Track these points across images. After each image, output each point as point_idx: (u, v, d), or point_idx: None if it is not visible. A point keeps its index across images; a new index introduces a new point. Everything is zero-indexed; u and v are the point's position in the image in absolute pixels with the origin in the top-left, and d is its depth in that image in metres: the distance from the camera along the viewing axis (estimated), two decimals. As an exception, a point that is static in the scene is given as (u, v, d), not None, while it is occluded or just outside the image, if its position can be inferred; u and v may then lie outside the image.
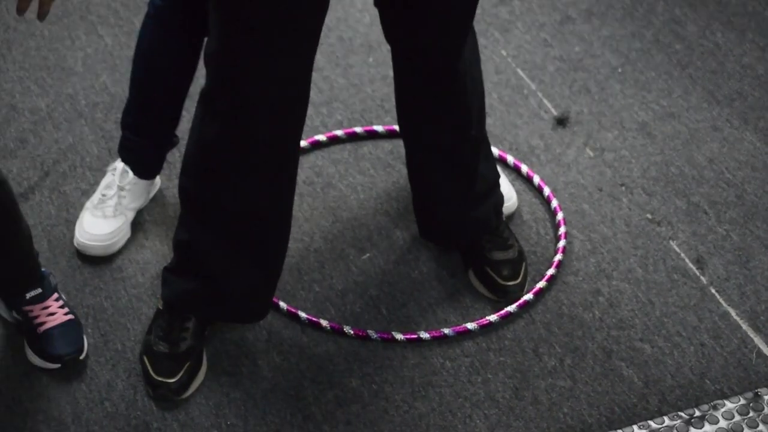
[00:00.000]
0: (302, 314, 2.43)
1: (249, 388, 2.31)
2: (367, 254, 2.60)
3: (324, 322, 2.41)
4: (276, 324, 2.43)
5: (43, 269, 2.35)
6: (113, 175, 2.60)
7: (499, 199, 2.53)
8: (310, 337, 2.40)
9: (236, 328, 2.42)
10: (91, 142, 2.85)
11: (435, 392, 2.32)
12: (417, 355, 2.38)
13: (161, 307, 2.34)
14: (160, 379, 2.27)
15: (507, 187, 2.67)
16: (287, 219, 2.28)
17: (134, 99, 2.54)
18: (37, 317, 2.31)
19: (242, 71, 2.05)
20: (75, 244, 2.55)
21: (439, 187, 2.44)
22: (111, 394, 2.29)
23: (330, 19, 3.25)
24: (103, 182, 2.62)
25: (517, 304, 2.46)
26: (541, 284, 2.50)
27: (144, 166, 2.59)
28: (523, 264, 2.51)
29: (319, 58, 3.11)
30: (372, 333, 2.39)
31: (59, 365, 2.30)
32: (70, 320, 2.33)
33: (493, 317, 2.43)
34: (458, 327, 2.41)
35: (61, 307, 2.34)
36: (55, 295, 2.35)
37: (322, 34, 3.18)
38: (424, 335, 2.40)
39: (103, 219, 2.55)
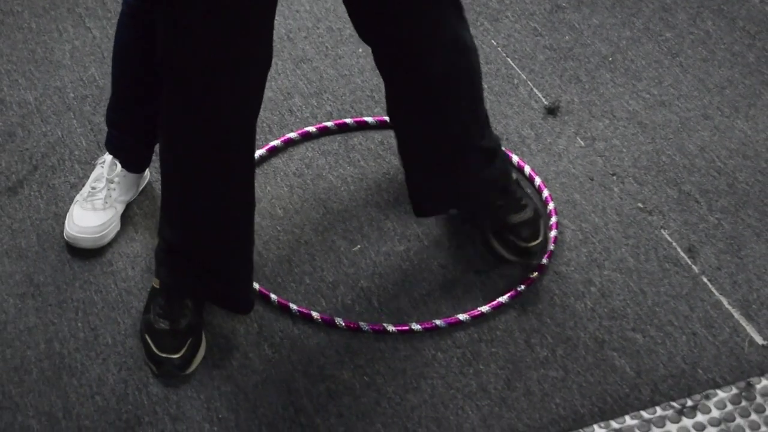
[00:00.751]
0: (293, 306, 2.42)
1: (240, 382, 2.30)
2: (358, 246, 2.59)
3: (315, 314, 2.40)
4: (267, 317, 2.42)
5: None
6: (102, 167, 2.59)
7: (505, 158, 2.50)
8: (302, 330, 2.40)
9: (226, 321, 2.41)
10: (80, 135, 2.84)
11: (427, 384, 2.31)
12: (408, 347, 2.37)
13: (156, 286, 2.34)
14: (164, 355, 2.28)
15: None
16: (252, 196, 2.31)
17: (116, 97, 2.54)
18: None
19: (203, 67, 2.07)
20: (65, 237, 2.54)
21: (438, 151, 2.41)
22: (102, 388, 2.29)
23: (319, 9, 3.25)
24: (93, 175, 2.61)
25: (508, 294, 2.45)
26: (533, 275, 2.50)
27: (132, 161, 2.58)
28: (541, 222, 2.50)
29: (308, 49, 3.10)
30: (363, 325, 2.38)
31: None
32: None
33: (485, 308, 2.42)
34: (450, 318, 2.40)
35: None
36: None
37: (311, 25, 3.19)
38: (416, 327, 2.39)
39: (92, 212, 2.54)
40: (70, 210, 2.57)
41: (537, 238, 2.48)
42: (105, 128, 2.80)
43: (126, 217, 2.62)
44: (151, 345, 2.30)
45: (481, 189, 2.49)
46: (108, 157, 2.59)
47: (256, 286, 2.45)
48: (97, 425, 2.22)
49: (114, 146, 2.58)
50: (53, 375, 2.31)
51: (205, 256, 2.31)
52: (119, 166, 2.57)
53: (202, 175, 2.22)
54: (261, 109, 2.92)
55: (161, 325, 2.31)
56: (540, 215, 2.52)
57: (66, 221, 2.56)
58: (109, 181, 2.57)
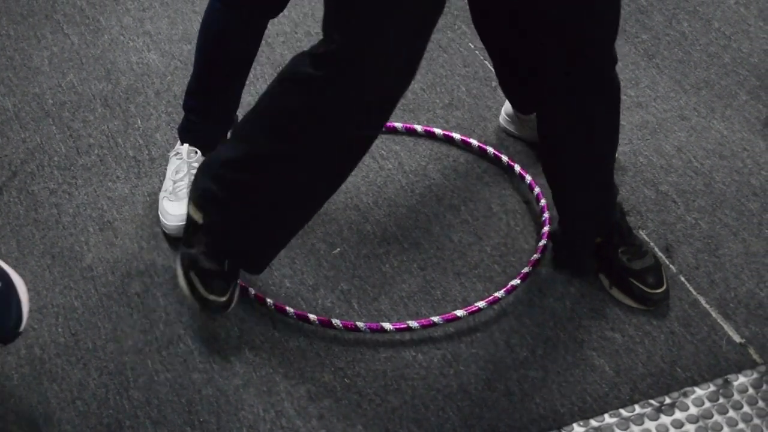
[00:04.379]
0: (269, 300, 2.42)
1: (221, 385, 2.31)
2: (338, 249, 2.60)
3: (290, 310, 2.40)
4: (248, 320, 2.43)
5: None
6: (179, 159, 2.63)
7: (621, 206, 2.52)
8: (282, 333, 2.40)
9: (207, 325, 2.41)
10: (59, 141, 2.84)
11: (407, 385, 2.32)
12: (389, 349, 2.38)
13: (199, 221, 2.27)
14: (212, 297, 2.27)
15: None
16: (326, 198, 2.27)
17: (200, 84, 2.59)
18: None
19: (368, 39, 2.01)
20: (167, 232, 2.58)
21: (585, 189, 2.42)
22: (83, 393, 2.29)
23: (297, 14, 3.26)
24: (171, 168, 2.64)
25: (486, 300, 2.43)
26: (526, 269, 2.51)
27: (212, 146, 2.58)
28: (662, 268, 2.49)
29: (287, 54, 3.11)
30: (336, 321, 2.38)
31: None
32: None
33: (460, 312, 2.41)
34: (424, 320, 2.40)
35: None
36: None
37: (290, 30, 3.20)
38: (388, 326, 2.38)
39: (184, 200, 2.55)
40: (161, 207, 2.60)
41: (662, 286, 2.46)
42: (84, 134, 2.81)
43: (105, 223, 2.63)
44: (197, 284, 2.27)
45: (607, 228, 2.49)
46: (183, 148, 2.63)
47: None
48: (78, 430, 2.22)
49: (193, 132, 2.63)
50: (34, 380, 2.31)
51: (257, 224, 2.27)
52: (199, 152, 2.61)
53: (309, 152, 2.15)
54: (240, 114, 2.93)
55: (206, 264, 2.26)
56: (661, 263, 2.51)
57: (163, 218, 2.59)
58: (191, 168, 2.60)
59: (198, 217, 2.28)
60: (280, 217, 2.26)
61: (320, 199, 2.26)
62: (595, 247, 2.49)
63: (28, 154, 2.80)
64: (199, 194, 2.28)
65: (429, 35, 2.09)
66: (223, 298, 2.28)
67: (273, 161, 2.17)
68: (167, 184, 2.62)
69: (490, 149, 2.80)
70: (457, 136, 2.83)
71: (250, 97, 2.96)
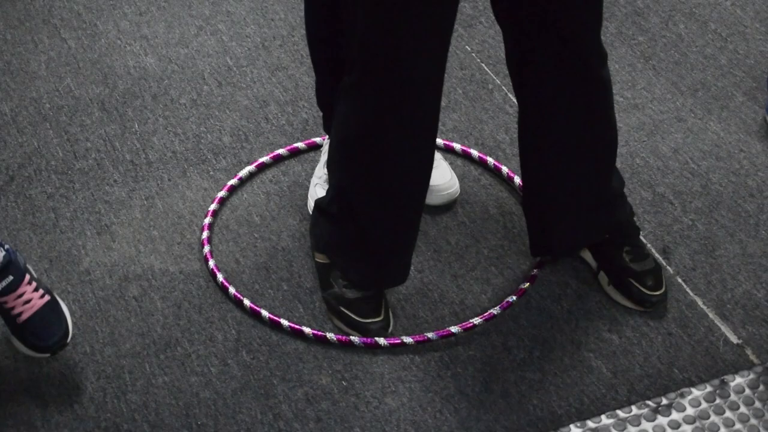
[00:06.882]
0: (264, 313, 2.42)
1: (219, 388, 2.31)
2: (335, 251, 2.60)
3: (285, 323, 2.40)
4: (245, 323, 2.43)
5: (6, 248, 2.23)
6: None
7: (630, 206, 2.52)
8: (279, 336, 2.41)
9: (204, 328, 2.41)
10: (56, 145, 2.84)
11: (405, 387, 2.32)
12: (386, 351, 2.38)
13: (322, 261, 2.44)
14: (368, 320, 2.38)
15: (449, 173, 2.67)
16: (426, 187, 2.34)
17: (320, 78, 2.59)
18: (13, 308, 2.25)
19: (394, 53, 2.07)
20: None
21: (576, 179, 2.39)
22: (80, 396, 2.29)
23: (294, 17, 3.26)
24: (323, 161, 2.68)
25: (482, 317, 2.43)
26: (525, 285, 2.51)
27: None
28: (662, 273, 2.50)
29: (284, 57, 3.11)
30: (331, 336, 2.38)
31: (49, 354, 2.27)
32: (47, 303, 2.27)
33: (455, 329, 2.40)
34: (418, 336, 2.39)
35: (36, 290, 2.26)
36: (27, 278, 2.26)
37: (286, 33, 3.20)
38: (383, 342, 2.38)
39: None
40: (313, 193, 2.66)
41: (660, 288, 2.46)
42: (81, 138, 2.82)
43: (102, 227, 2.63)
44: (351, 315, 2.38)
45: (610, 227, 2.49)
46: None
47: (232, 290, 2.46)
48: (76, 434, 2.23)
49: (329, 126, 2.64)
50: (31, 384, 2.31)
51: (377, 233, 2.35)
52: None
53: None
54: (237, 117, 2.93)
55: (351, 294, 2.39)
56: (660, 266, 2.51)
57: (310, 201, 2.64)
58: None
59: (323, 258, 2.45)
60: (389, 225, 2.34)
61: (417, 185, 2.31)
62: (597, 244, 2.50)
63: (26, 159, 2.80)
64: (315, 242, 2.47)
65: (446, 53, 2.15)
66: (380, 318, 2.38)
67: (355, 186, 2.30)
68: (318, 171, 2.68)
69: (491, 160, 2.78)
70: (457, 146, 2.82)
71: (247, 101, 2.96)
